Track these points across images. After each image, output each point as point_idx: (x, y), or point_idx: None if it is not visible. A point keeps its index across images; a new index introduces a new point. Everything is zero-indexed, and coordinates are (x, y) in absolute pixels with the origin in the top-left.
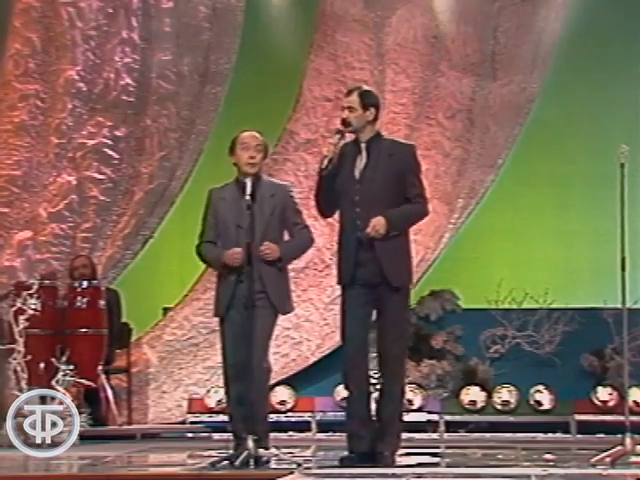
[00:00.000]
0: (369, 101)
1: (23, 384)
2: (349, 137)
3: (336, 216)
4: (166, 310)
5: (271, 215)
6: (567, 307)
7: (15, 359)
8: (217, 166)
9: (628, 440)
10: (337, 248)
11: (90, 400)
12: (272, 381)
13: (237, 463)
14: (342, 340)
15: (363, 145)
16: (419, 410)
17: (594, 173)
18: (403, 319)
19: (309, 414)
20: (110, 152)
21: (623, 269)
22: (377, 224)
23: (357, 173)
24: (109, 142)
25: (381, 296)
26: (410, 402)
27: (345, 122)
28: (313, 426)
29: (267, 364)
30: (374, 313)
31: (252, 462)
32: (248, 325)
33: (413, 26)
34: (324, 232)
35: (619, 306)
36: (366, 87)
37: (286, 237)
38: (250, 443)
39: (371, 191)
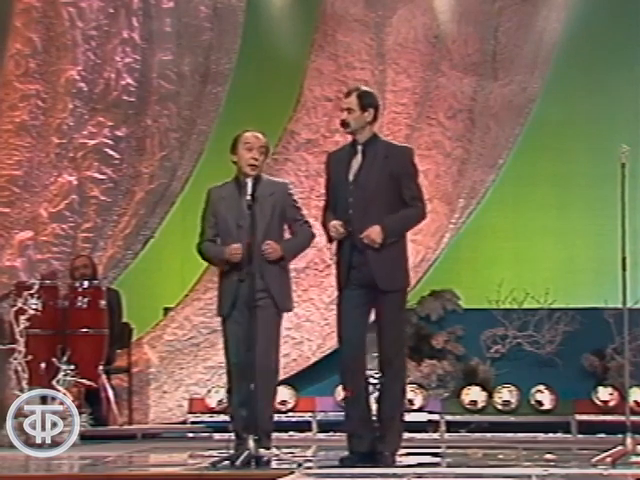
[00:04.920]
0: (368, 102)
1: (24, 384)
2: (347, 138)
3: None
4: (167, 310)
5: (272, 214)
6: (568, 307)
7: (16, 359)
8: (218, 166)
9: (629, 440)
10: (335, 250)
11: (91, 400)
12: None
13: (238, 463)
14: (338, 341)
15: (360, 147)
16: (420, 410)
17: (595, 173)
18: (399, 320)
19: (310, 414)
20: (111, 152)
21: (624, 269)
22: (373, 233)
23: (352, 175)
24: (110, 142)
25: (376, 298)
26: (411, 402)
27: (344, 123)
28: (314, 426)
29: (275, 365)
30: (373, 313)
31: (253, 462)
32: (250, 324)
33: (414, 26)
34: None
35: (620, 306)
36: (365, 88)
37: (286, 234)
38: (251, 443)
39: (365, 193)
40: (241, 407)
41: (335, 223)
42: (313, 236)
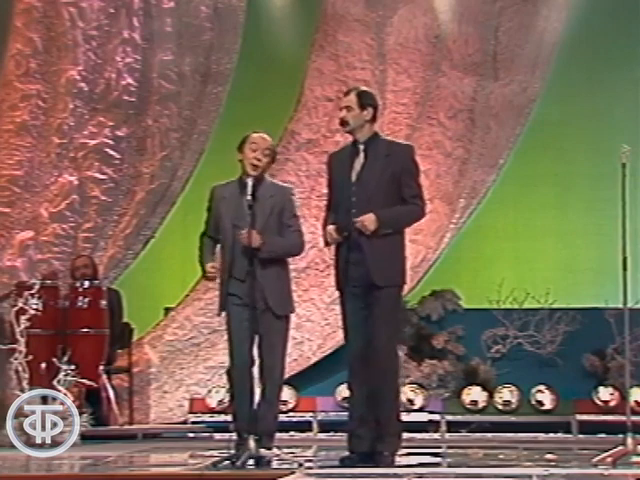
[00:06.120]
0: (366, 101)
1: (24, 384)
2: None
3: None
4: (167, 310)
5: (270, 215)
6: (568, 307)
7: (16, 359)
8: (219, 166)
9: (629, 440)
10: (335, 250)
11: (91, 400)
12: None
13: (238, 463)
14: (346, 342)
15: (361, 146)
16: (420, 410)
17: (595, 173)
18: (393, 319)
19: (310, 414)
20: (111, 152)
21: (625, 269)
22: (366, 220)
23: (354, 175)
24: (110, 142)
25: (371, 296)
26: (411, 402)
27: (343, 122)
28: (314, 426)
29: (280, 368)
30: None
31: (253, 462)
32: (252, 326)
33: (414, 26)
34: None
35: (620, 306)
36: (364, 87)
37: None
38: (252, 443)
39: (367, 192)
40: (242, 407)
41: (330, 229)
42: (300, 246)
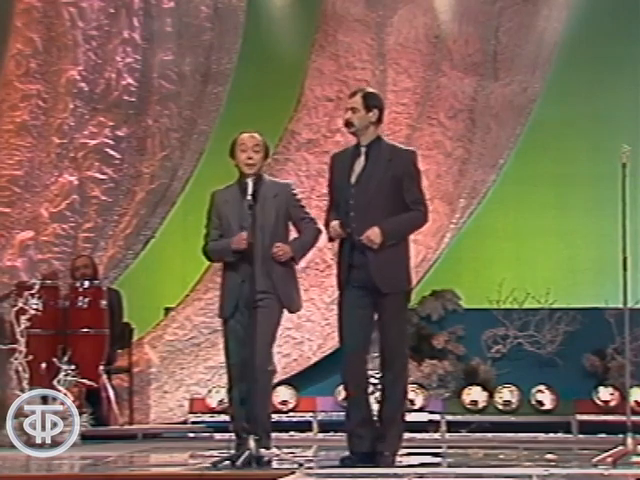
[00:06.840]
0: (372, 102)
1: (24, 384)
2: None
3: None
4: (168, 310)
5: (276, 216)
6: (569, 307)
7: (17, 359)
8: (219, 166)
9: (629, 440)
10: (336, 250)
11: (92, 400)
12: (274, 381)
13: (239, 463)
14: (340, 341)
15: (363, 149)
16: (421, 410)
17: (596, 173)
18: (400, 321)
19: (311, 414)
20: (112, 152)
21: (625, 269)
22: (372, 234)
23: (354, 177)
24: (111, 142)
25: (377, 299)
26: (412, 402)
27: (348, 123)
28: (315, 426)
29: (272, 365)
30: (375, 315)
31: (254, 462)
32: (250, 325)
33: (415, 26)
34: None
35: (621, 306)
36: (370, 89)
37: (293, 233)
38: (252, 443)
39: (366, 195)
40: (241, 407)
41: (334, 224)
42: (320, 232)
